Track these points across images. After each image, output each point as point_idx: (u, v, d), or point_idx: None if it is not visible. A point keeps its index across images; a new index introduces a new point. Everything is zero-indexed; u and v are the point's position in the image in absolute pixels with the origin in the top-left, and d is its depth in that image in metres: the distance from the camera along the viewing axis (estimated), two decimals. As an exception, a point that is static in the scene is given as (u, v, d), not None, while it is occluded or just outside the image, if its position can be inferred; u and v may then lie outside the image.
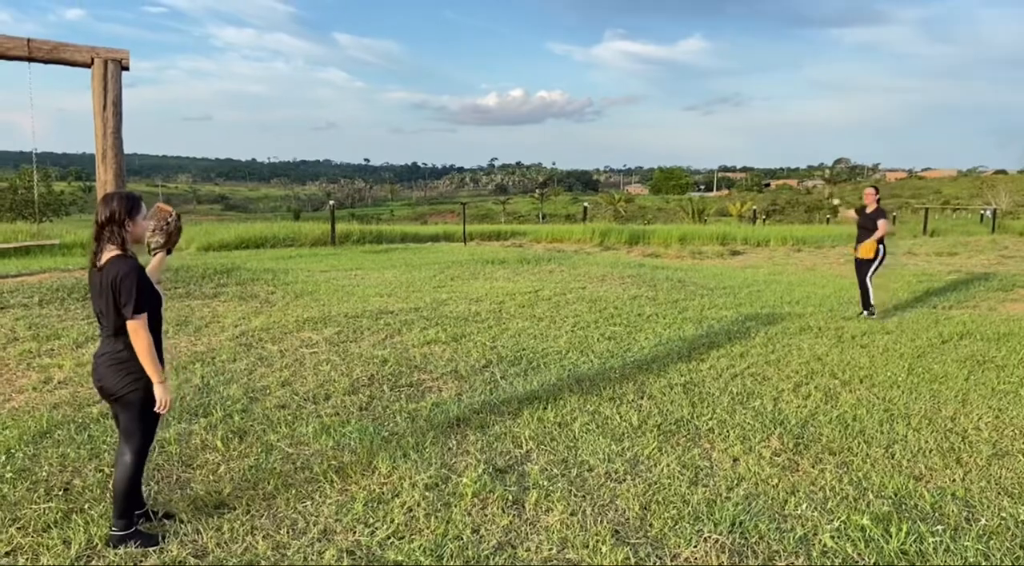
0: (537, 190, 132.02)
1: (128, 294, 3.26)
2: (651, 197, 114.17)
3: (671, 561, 3.45)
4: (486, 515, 3.84)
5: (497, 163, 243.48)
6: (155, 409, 3.43)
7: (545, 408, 5.52)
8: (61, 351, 6.99)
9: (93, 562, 3.40)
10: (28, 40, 10.68)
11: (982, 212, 40.28)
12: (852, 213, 9.81)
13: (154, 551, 3.45)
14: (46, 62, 10.88)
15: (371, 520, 3.77)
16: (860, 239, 9.56)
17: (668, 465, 4.49)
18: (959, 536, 3.68)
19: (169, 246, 3.80)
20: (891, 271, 13.99)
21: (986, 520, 3.84)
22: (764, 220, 44.68)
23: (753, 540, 3.61)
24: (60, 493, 4.04)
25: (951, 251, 18.99)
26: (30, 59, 10.72)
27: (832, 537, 3.63)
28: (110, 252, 3.35)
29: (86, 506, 3.86)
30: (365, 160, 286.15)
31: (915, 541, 3.60)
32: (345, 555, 3.45)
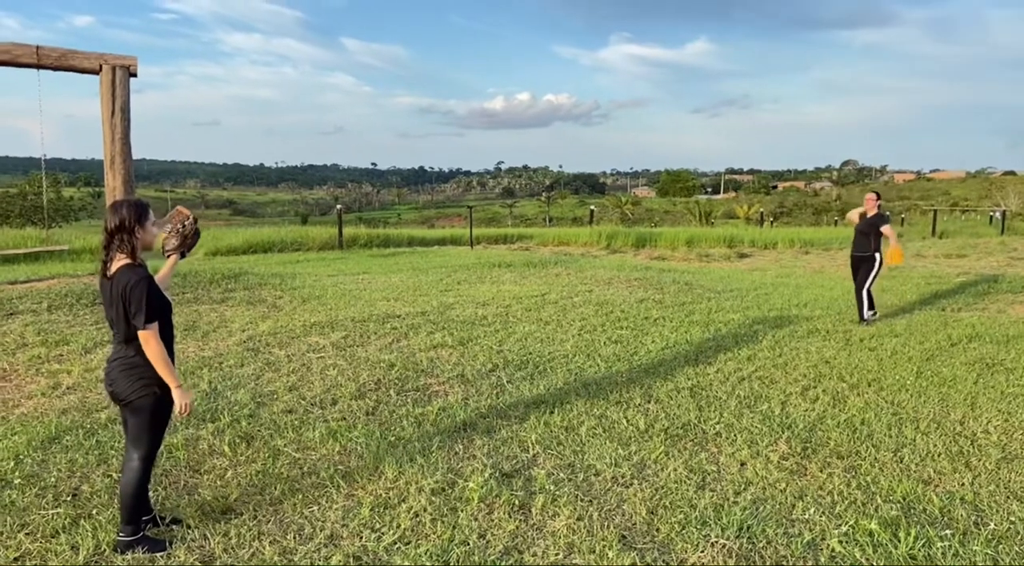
0: (544, 193, 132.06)
1: (138, 304, 3.28)
2: (658, 200, 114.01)
3: (678, 566, 3.44)
4: (492, 520, 3.84)
5: (504, 167, 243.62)
6: (175, 413, 3.46)
7: (551, 412, 5.51)
8: (70, 357, 7.02)
9: (101, 568, 3.41)
10: (37, 47, 10.75)
11: (991, 214, 40.08)
12: (856, 216, 9.65)
13: (161, 556, 3.46)
14: (55, 69, 10.95)
15: (377, 525, 3.78)
16: (857, 243, 9.43)
17: (675, 469, 4.48)
18: (968, 541, 3.66)
19: (183, 249, 3.85)
20: (901, 272, 13.92)
21: (995, 524, 3.82)
22: (771, 222, 44.57)
23: (761, 545, 3.60)
24: (68, 499, 4.06)
25: (960, 253, 18.89)
26: (39, 66, 10.79)
27: (840, 542, 3.61)
28: (120, 261, 3.37)
29: (94, 511, 3.88)
30: (372, 164, 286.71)
31: (924, 546, 3.58)
32: (351, 560, 3.45)
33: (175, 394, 3.42)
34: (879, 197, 9.51)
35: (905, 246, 20.26)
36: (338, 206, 25.24)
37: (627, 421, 5.34)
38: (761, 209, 43.25)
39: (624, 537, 3.68)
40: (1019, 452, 4.82)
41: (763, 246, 22.70)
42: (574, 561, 3.47)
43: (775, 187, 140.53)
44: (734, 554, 3.51)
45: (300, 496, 4.10)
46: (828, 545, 3.59)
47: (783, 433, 5.12)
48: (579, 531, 3.72)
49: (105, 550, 3.51)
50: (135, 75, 11.26)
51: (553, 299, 10.60)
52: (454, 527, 3.74)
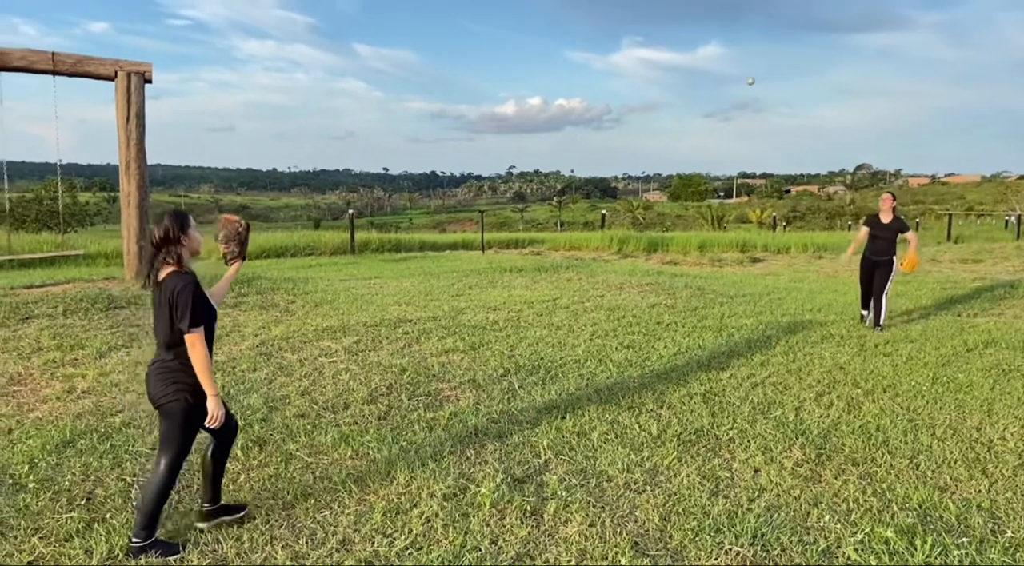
0: (555, 198, 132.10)
1: (184, 308, 3.37)
2: (670, 204, 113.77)
3: (691, 573, 3.41)
4: (504, 526, 3.83)
5: (515, 171, 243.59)
6: (205, 423, 3.52)
7: (563, 417, 5.49)
8: (84, 361, 7.06)
9: (114, 572, 3.42)
10: (53, 54, 10.86)
11: (1007, 218, 39.77)
12: (863, 235, 9.41)
13: (175, 560, 3.46)
14: (70, 75, 11.07)
15: (389, 530, 3.77)
16: (876, 250, 9.17)
17: (688, 476, 4.46)
18: (985, 549, 3.62)
19: (244, 254, 4.06)
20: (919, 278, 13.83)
21: (1012, 532, 3.78)
22: (784, 227, 44.39)
23: (775, 553, 3.57)
24: (82, 503, 4.08)
25: (975, 258, 18.74)
26: (55, 72, 10.91)
27: (856, 550, 3.58)
28: (168, 268, 3.49)
29: (108, 516, 3.89)
30: (384, 169, 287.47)
31: (940, 554, 3.55)
32: (364, 565, 3.45)
33: (210, 403, 3.49)
34: (895, 199, 9.31)
35: (920, 251, 20.15)
36: (350, 211, 25.32)
37: (639, 427, 5.32)
38: (774, 213, 43.06)
39: (637, 544, 3.66)
40: (1037, 459, 4.76)
41: (776, 251, 22.60)
42: (586, 568, 3.45)
43: (788, 191, 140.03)
44: (748, 562, 3.49)
45: (312, 501, 4.10)
46: (843, 553, 3.56)
47: (797, 439, 5.08)
48: (591, 537, 3.70)
49: (119, 554, 3.52)
50: (150, 81, 11.35)
51: (564, 304, 10.58)
52: (466, 533, 3.73)
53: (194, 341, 3.41)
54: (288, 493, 4.20)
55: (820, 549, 3.59)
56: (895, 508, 4.05)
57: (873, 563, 3.47)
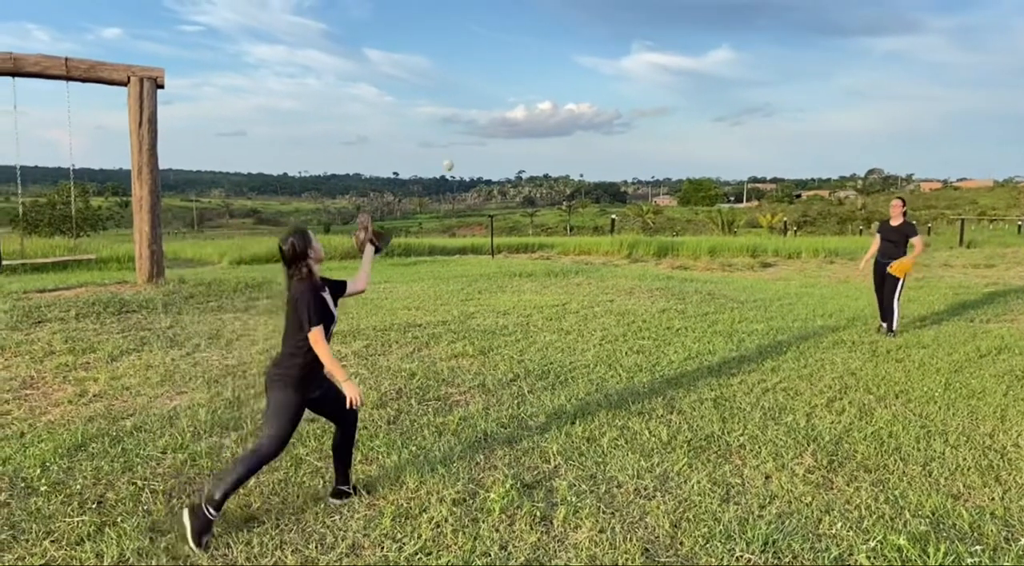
0: (565, 202, 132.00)
1: (304, 311, 3.74)
2: (680, 209, 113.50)
3: (702, 580, 3.40)
4: (514, 531, 3.82)
5: (525, 176, 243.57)
6: (347, 405, 3.87)
7: (573, 423, 5.48)
8: (96, 365, 7.10)
9: (125, 575, 3.43)
10: (66, 59, 10.94)
11: (1020, 223, 39.46)
12: (876, 242, 9.39)
13: (192, 558, 3.47)
14: (83, 81, 11.15)
15: (399, 535, 3.77)
16: (885, 252, 9.18)
17: (699, 482, 4.44)
18: (998, 557, 3.59)
19: (373, 240, 4.45)
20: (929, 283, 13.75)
21: (1028, 541, 3.74)
22: (795, 231, 44.23)
23: (786, 560, 3.55)
24: (93, 506, 4.09)
25: (988, 263, 18.61)
26: (68, 78, 10.99)
27: (868, 557, 3.55)
28: (297, 278, 3.85)
29: (119, 519, 3.90)
30: (394, 174, 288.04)
31: (953, 562, 3.51)
32: (373, 571, 3.44)
33: (344, 388, 3.85)
34: (905, 204, 9.32)
35: (932, 256, 20.03)
36: (360, 215, 25.36)
37: (649, 432, 5.30)
38: (785, 218, 42.94)
39: (647, 550, 3.64)
40: (1052, 467, 4.72)
41: (787, 255, 22.51)
42: (596, 574, 3.44)
43: (799, 196, 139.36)
44: (759, 569, 3.46)
45: (322, 505, 4.11)
46: (856, 560, 3.54)
47: (809, 446, 5.05)
48: (601, 544, 3.68)
49: (129, 558, 3.53)
50: (162, 86, 11.43)
51: (574, 309, 10.57)
52: (475, 538, 3.73)
53: (315, 339, 3.74)
54: (298, 497, 4.21)
55: (832, 556, 3.56)
56: (908, 515, 4.01)
57: (885, 571, 3.44)
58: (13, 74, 10.69)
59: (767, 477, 4.54)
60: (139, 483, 4.39)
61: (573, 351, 7.90)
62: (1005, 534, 3.83)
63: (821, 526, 3.90)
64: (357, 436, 5.17)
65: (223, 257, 19.90)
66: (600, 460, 4.79)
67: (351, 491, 4.22)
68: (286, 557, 3.55)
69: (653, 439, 5.17)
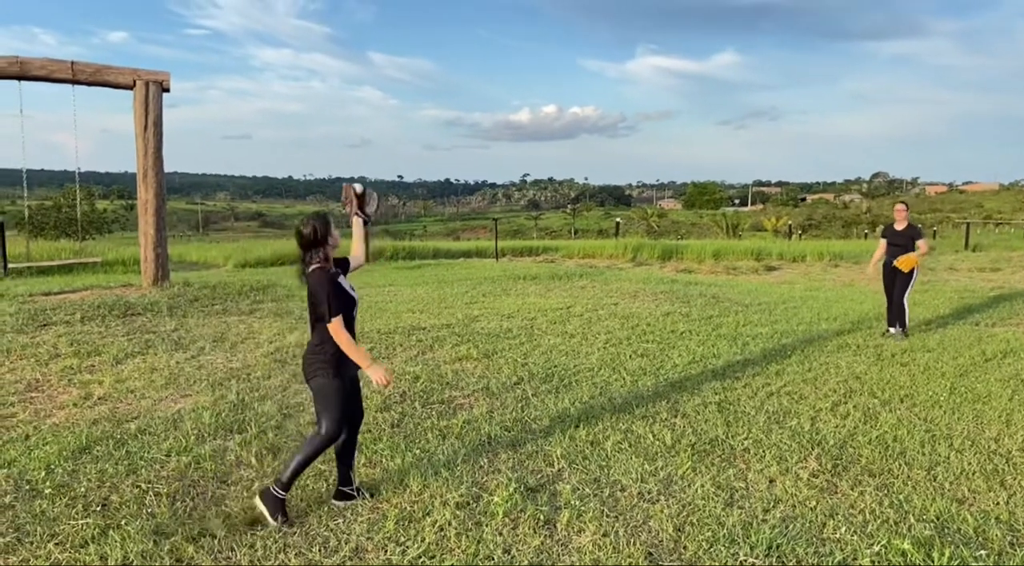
0: (569, 205, 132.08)
1: (323, 301, 3.81)
2: (684, 212, 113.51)
3: (705, 585, 3.39)
4: (517, 535, 3.81)
5: (529, 179, 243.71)
6: (374, 386, 3.96)
7: (577, 426, 5.48)
8: (101, 367, 7.12)
9: (129, 578, 3.43)
10: (72, 63, 10.99)
11: (1026, 226, 39.33)
12: (882, 247, 9.47)
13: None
14: (89, 84, 11.20)
15: (402, 538, 3.77)
16: (893, 254, 9.25)
17: (702, 486, 4.43)
18: (1003, 561, 3.57)
19: (358, 211, 4.48)
20: (934, 286, 13.72)
21: (1033, 546, 3.72)
22: (800, 235, 44.16)
23: (791, 564, 3.54)
24: (98, 509, 4.10)
25: (994, 267, 18.54)
26: (74, 82, 11.04)
27: (872, 562, 3.54)
28: (315, 264, 3.91)
29: (123, 522, 3.91)
30: (399, 177, 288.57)
31: (959, 567, 3.50)
32: (376, 574, 3.44)
33: (369, 372, 3.89)
34: (908, 208, 9.50)
35: (937, 259, 19.98)
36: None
37: (653, 436, 5.30)
38: (789, 222, 42.86)
39: (651, 554, 3.64)
40: (1057, 471, 4.70)
41: (791, 259, 22.46)
42: (600, 578, 3.43)
43: (804, 199, 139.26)
44: (763, 573, 3.45)
45: (326, 508, 4.11)
46: (860, 565, 3.52)
47: (813, 450, 5.04)
48: (605, 547, 3.68)
49: (133, 560, 3.53)
50: (168, 90, 11.47)
51: (578, 312, 10.57)
52: (479, 542, 3.73)
53: (334, 329, 3.83)
54: (301, 501, 4.21)
55: (836, 561, 3.55)
56: (912, 520, 4.00)
57: (890, 576, 3.43)
58: (19, 78, 10.75)
59: (771, 481, 4.53)
60: (143, 486, 4.39)
61: (577, 354, 7.90)
62: (1010, 539, 3.81)
63: (825, 530, 3.89)
64: (360, 438, 5.18)
65: (228, 260, 19.92)
66: (604, 464, 4.79)
67: (354, 493, 4.22)
68: (289, 560, 3.56)
69: (657, 443, 5.16)
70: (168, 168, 11.64)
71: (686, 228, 68.20)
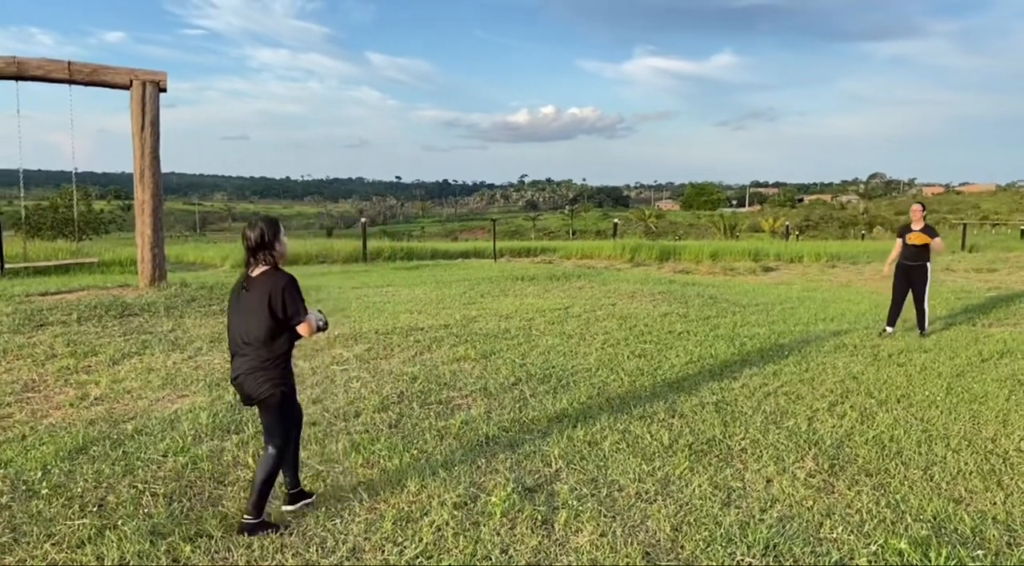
0: (567, 206, 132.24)
1: (294, 303, 3.66)
2: (682, 213, 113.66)
3: (703, 584, 3.39)
4: (515, 535, 3.81)
5: (527, 179, 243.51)
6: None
7: (575, 427, 5.48)
8: (98, 368, 7.11)
9: (125, 578, 3.43)
10: (69, 63, 10.98)
11: (1022, 227, 39.43)
12: (898, 247, 9.57)
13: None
14: (86, 84, 11.19)
15: (400, 539, 3.77)
16: (907, 254, 9.38)
17: (700, 486, 4.43)
18: (1000, 562, 3.58)
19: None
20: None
21: (1030, 546, 3.73)
22: (797, 236, 44.22)
23: (787, 564, 3.54)
24: (94, 509, 4.10)
25: (990, 267, 18.58)
26: (71, 82, 11.03)
27: (869, 562, 3.54)
28: (262, 268, 3.74)
29: (120, 522, 3.90)
30: (397, 177, 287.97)
31: (955, 567, 3.51)
32: (373, 574, 3.44)
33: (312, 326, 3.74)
34: (924, 208, 9.61)
35: (934, 260, 19.99)
36: (362, 219, 25.42)
37: (651, 436, 5.30)
38: (787, 222, 42.89)
39: (648, 554, 3.64)
40: (1054, 471, 4.71)
41: (789, 260, 22.50)
42: (597, 578, 3.43)
43: (801, 200, 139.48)
44: (760, 573, 3.46)
45: (323, 509, 4.10)
46: (856, 565, 3.53)
47: (810, 450, 5.05)
48: (602, 547, 3.68)
49: (129, 561, 3.53)
50: (165, 90, 11.45)
51: (576, 313, 10.57)
52: (476, 542, 3.72)
53: (306, 328, 3.70)
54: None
55: (833, 560, 3.56)
56: (909, 520, 4.01)
57: (887, 575, 3.43)
58: (16, 78, 10.73)
59: (768, 481, 4.54)
60: (140, 486, 4.39)
61: (575, 355, 7.90)
62: (1007, 539, 3.82)
63: (822, 530, 3.89)
64: (358, 438, 5.18)
65: (225, 260, 19.91)
66: (601, 464, 4.79)
67: (308, 493, 4.20)
68: (287, 560, 3.55)
69: (654, 443, 5.16)
70: (165, 168, 11.63)
71: (684, 229, 68.28)
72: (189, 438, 5.19)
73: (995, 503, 4.24)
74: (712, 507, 4.14)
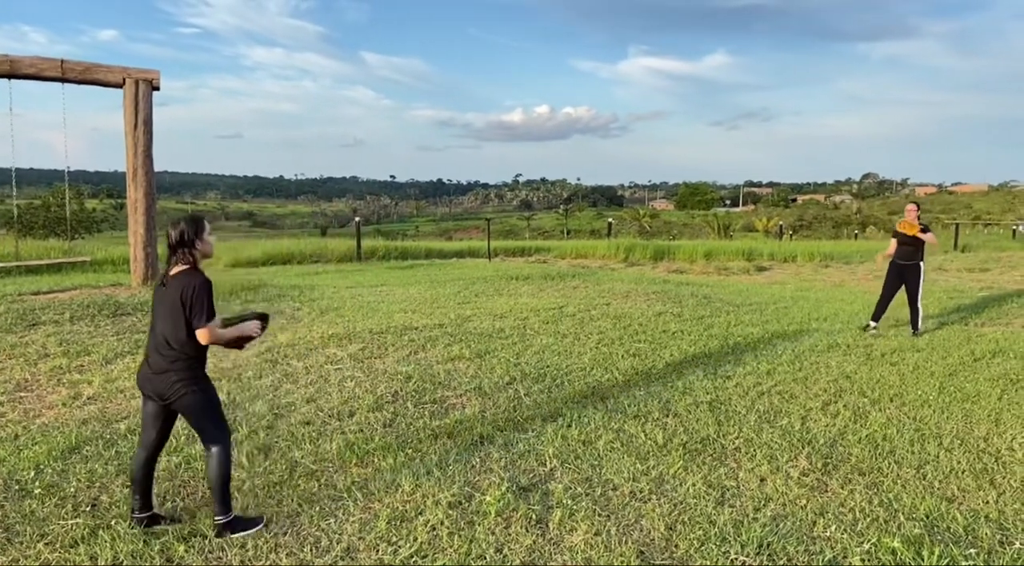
0: (562, 206, 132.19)
1: (200, 306, 3.56)
2: (676, 213, 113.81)
3: (697, 583, 3.40)
4: (510, 534, 3.82)
5: (522, 179, 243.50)
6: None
7: (569, 426, 5.48)
8: (91, 367, 7.08)
9: (119, 578, 3.42)
10: (62, 61, 10.94)
11: (1014, 227, 39.62)
12: (893, 245, 9.66)
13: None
14: (79, 83, 11.15)
15: (394, 538, 3.77)
16: (901, 253, 9.48)
17: (694, 485, 4.44)
18: (993, 560, 3.60)
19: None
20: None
21: (1020, 543, 3.75)
22: (791, 236, 44.32)
23: (781, 562, 3.55)
24: (88, 509, 4.08)
25: (983, 267, 18.66)
26: (64, 80, 10.98)
27: (862, 560, 3.56)
28: (180, 267, 3.67)
29: (113, 522, 3.89)
30: (391, 177, 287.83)
31: (948, 565, 3.52)
32: (368, 574, 3.44)
33: (248, 332, 3.84)
34: (919, 207, 9.70)
35: (927, 259, 20.06)
36: (357, 218, 25.36)
37: (645, 435, 5.31)
38: (780, 222, 43.01)
39: (642, 553, 3.64)
40: (1045, 470, 4.73)
41: (782, 259, 22.57)
42: (591, 577, 3.44)
43: (794, 200, 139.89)
44: (754, 571, 3.47)
45: (317, 508, 4.10)
46: (850, 563, 3.54)
47: (803, 449, 5.06)
48: (596, 546, 3.69)
49: (123, 561, 3.52)
50: (158, 89, 11.42)
51: (571, 312, 10.58)
52: (471, 541, 3.73)
53: (205, 334, 3.59)
54: (293, 500, 4.20)
55: (826, 559, 3.57)
56: (902, 518, 4.02)
57: (880, 574, 3.44)
58: (9, 76, 10.69)
59: (762, 480, 4.55)
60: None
61: (569, 354, 7.91)
62: (1000, 537, 3.84)
63: (816, 529, 3.90)
64: (352, 438, 5.17)
65: (218, 260, 19.86)
66: (596, 463, 4.80)
67: (162, 515, 3.94)
68: (280, 560, 3.55)
69: (649, 442, 5.17)
70: (158, 167, 11.60)
71: (678, 228, 68.37)
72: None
73: (987, 502, 4.26)
74: (706, 506, 4.15)
